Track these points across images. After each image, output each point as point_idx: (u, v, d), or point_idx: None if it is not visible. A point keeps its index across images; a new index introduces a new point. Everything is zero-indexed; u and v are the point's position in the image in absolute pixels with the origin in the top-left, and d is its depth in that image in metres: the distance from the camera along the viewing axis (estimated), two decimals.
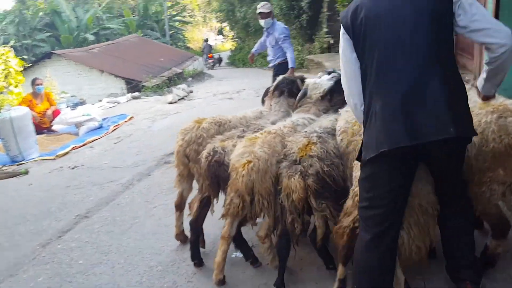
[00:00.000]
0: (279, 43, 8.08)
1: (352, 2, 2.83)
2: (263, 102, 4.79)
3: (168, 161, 7.09)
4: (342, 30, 2.85)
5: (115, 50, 23.38)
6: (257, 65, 29.51)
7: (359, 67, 2.79)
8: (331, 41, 20.44)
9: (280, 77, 4.68)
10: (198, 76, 23.10)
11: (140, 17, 36.57)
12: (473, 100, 3.02)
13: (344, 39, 2.84)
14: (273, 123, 4.07)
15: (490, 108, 3.04)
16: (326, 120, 3.81)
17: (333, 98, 4.16)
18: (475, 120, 2.89)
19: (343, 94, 2.98)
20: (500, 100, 3.10)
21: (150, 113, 11.94)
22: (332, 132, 3.59)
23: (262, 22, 8.11)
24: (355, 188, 3.07)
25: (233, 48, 39.13)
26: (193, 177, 4.14)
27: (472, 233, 3.02)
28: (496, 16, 5.45)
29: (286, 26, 8.52)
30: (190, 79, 21.91)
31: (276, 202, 3.40)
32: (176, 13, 42.41)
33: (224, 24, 53.38)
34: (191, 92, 14.90)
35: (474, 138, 2.93)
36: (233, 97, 13.66)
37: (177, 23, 41.74)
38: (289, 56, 8.06)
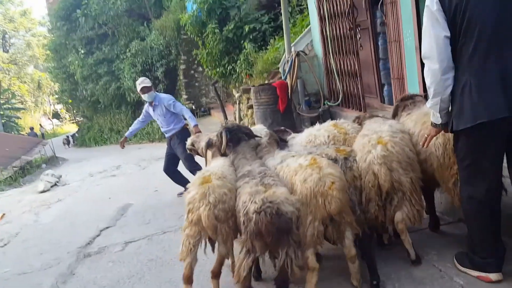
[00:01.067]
0: (171, 109, 7.79)
1: None
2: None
3: (88, 253, 5.96)
4: (435, 3, 2.97)
5: None
6: (111, 142, 28.25)
7: (449, 34, 2.96)
8: (193, 107, 20.29)
9: (222, 129, 4.30)
10: (52, 161, 21.20)
11: None
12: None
13: (436, 9, 2.97)
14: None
15: None
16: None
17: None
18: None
19: None
20: None
21: (24, 206, 10.40)
22: None
23: (145, 96, 7.79)
24: None
25: (77, 128, 37.24)
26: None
27: None
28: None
29: (168, 94, 8.37)
30: (44, 165, 19.97)
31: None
32: (4, 101, 39.41)
33: (60, 106, 51.17)
34: (61, 176, 13.42)
35: (441, 141, 3.62)
36: (115, 174, 12.58)
37: (8, 111, 38.66)
38: (188, 115, 7.87)
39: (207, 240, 3.71)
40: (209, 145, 4.46)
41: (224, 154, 4.27)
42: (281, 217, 3.14)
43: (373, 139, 3.77)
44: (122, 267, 5.25)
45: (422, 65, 5.39)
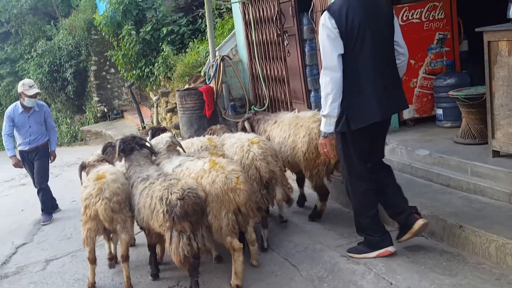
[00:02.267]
0: (47, 119, 7.42)
1: (341, 5, 3.58)
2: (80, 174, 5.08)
3: (5, 274, 5.46)
4: (330, 19, 3.55)
5: None
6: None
7: (343, 50, 3.57)
8: (105, 109, 19.56)
9: (117, 140, 4.70)
10: None
11: None
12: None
13: (332, 28, 3.55)
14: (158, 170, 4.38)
15: (314, 119, 4.70)
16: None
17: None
18: (305, 127, 4.74)
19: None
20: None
21: None
22: None
23: (31, 101, 7.11)
24: None
25: None
26: None
27: (397, 185, 4.10)
28: None
29: None
30: None
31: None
32: None
33: None
34: None
35: (306, 139, 4.66)
36: (24, 182, 11.72)
37: None
38: (55, 137, 7.70)
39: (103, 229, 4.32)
40: (84, 167, 5.08)
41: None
42: (200, 199, 3.83)
43: (246, 142, 4.59)
44: None
45: None
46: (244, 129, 5.44)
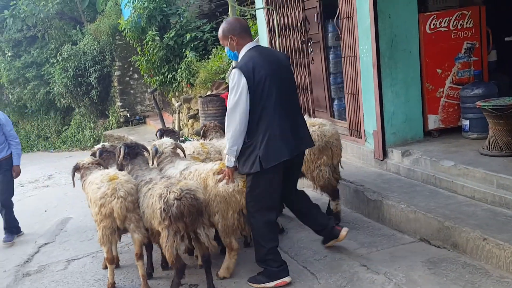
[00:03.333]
0: (9, 132, 6.93)
1: (246, 62, 3.97)
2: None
3: (27, 272, 5.52)
4: (242, 78, 3.91)
5: None
6: (39, 149, 26.98)
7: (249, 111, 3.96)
8: (128, 114, 19.73)
9: (121, 145, 4.86)
10: None
11: None
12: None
13: (245, 87, 3.91)
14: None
15: (311, 123, 4.96)
16: None
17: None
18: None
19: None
20: (315, 119, 5.27)
21: None
22: None
23: None
24: None
25: None
26: None
27: (314, 205, 4.54)
28: (378, 64, 5.59)
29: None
30: None
31: None
32: None
33: None
34: None
35: None
36: (48, 184, 11.90)
37: None
38: (18, 150, 7.05)
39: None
40: (77, 168, 5.09)
41: (120, 169, 4.79)
42: (197, 200, 3.97)
43: None
44: None
45: (379, 81, 5.54)
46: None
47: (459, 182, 4.85)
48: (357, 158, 6.41)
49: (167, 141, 5.01)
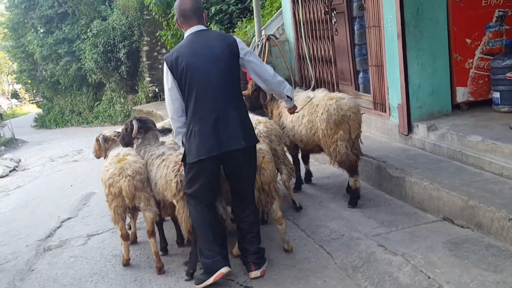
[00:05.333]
0: None
1: (174, 51, 3.86)
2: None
3: (49, 246, 5.55)
4: (167, 69, 3.83)
5: None
6: (73, 124, 27.44)
7: (181, 99, 3.84)
8: (156, 89, 19.77)
9: (132, 119, 4.85)
10: (11, 143, 20.35)
11: None
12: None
13: (169, 77, 3.83)
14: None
15: (329, 96, 4.91)
16: None
17: None
18: (321, 105, 4.85)
19: None
20: (334, 93, 5.05)
21: None
22: None
23: None
24: None
25: (37, 110, 36.11)
26: None
27: (258, 229, 4.14)
28: (403, 34, 5.33)
29: None
30: (2, 148, 19.15)
31: None
32: None
33: (19, 86, 49.39)
34: (20, 161, 12.82)
35: (325, 116, 4.77)
36: (77, 159, 12.05)
37: None
38: None
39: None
40: (106, 139, 5.05)
41: (127, 145, 4.82)
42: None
43: (254, 121, 4.72)
44: (84, 263, 4.90)
45: (404, 52, 5.28)
46: (260, 89, 5.44)
47: (486, 158, 4.58)
48: (381, 132, 6.18)
49: None
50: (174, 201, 4.14)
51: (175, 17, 4.02)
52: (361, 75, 7.15)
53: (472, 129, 5.02)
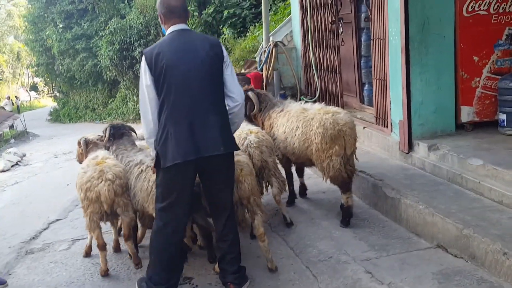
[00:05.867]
0: None
1: (155, 46, 3.66)
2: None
3: (31, 249, 5.40)
4: (145, 64, 3.61)
5: None
6: (86, 120, 27.55)
7: (156, 97, 3.61)
8: None
9: (107, 126, 4.83)
10: (22, 136, 20.44)
11: None
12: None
13: (147, 73, 3.61)
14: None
15: (324, 110, 4.73)
16: None
17: None
18: (317, 118, 4.65)
19: None
20: (330, 107, 4.86)
21: None
22: None
23: None
24: None
25: (54, 103, 36.43)
26: None
27: (238, 249, 3.89)
28: (407, 49, 5.11)
29: None
30: (12, 140, 19.23)
31: None
32: None
33: (37, 80, 49.86)
34: (25, 155, 12.78)
35: (320, 130, 4.58)
36: None
37: None
38: None
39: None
40: (87, 142, 4.95)
41: (107, 149, 4.71)
42: (199, 186, 3.86)
43: (245, 130, 4.75)
44: (63, 270, 4.71)
45: (407, 67, 5.06)
46: (248, 99, 5.31)
47: (486, 184, 4.34)
48: (382, 149, 5.95)
49: None
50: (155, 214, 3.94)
51: (158, 11, 3.77)
52: (366, 87, 6.95)
53: (474, 152, 4.78)
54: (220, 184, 3.79)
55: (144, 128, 3.76)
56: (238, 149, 3.91)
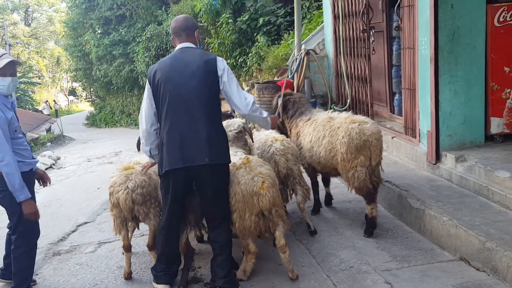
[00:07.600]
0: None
1: (157, 63, 4.04)
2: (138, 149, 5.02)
3: (58, 251, 5.52)
4: (147, 80, 4.05)
5: None
6: (122, 125, 28.01)
7: (155, 111, 3.97)
8: None
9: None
10: (58, 140, 20.91)
11: None
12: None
13: (147, 87, 4.00)
14: None
15: (351, 119, 4.71)
16: None
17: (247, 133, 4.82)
18: (343, 128, 4.65)
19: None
20: (357, 117, 4.81)
21: None
22: None
23: (8, 81, 4.09)
24: None
25: (91, 108, 37.13)
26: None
27: (229, 252, 4.05)
28: (436, 59, 5.06)
29: None
30: (49, 144, 19.69)
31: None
32: (21, 74, 39.11)
33: (76, 84, 50.97)
34: (59, 159, 13.06)
35: (346, 140, 4.58)
36: (112, 161, 12.18)
37: (23, 85, 38.35)
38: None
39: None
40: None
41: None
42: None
43: (270, 138, 4.89)
44: (88, 272, 4.82)
45: (436, 77, 5.00)
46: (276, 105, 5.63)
47: None
48: (410, 159, 5.88)
49: (236, 121, 4.83)
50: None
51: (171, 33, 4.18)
52: (396, 97, 6.88)
53: (502, 164, 4.68)
54: (209, 194, 3.97)
55: (140, 137, 4.16)
56: (227, 161, 4.00)
